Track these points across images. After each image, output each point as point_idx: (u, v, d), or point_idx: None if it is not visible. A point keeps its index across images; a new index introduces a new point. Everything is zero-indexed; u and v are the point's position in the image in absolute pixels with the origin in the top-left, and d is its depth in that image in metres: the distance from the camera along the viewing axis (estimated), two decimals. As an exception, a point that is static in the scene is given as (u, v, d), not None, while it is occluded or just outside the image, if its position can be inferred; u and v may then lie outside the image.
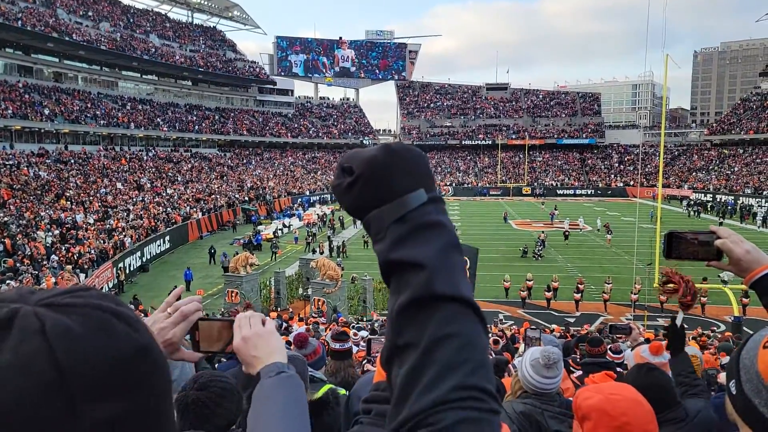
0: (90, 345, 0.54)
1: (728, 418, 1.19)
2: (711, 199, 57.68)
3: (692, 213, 50.46)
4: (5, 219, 26.89)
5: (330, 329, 11.64)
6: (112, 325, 0.58)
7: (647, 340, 5.78)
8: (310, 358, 3.10)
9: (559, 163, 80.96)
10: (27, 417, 0.49)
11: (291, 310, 21.61)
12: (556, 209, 49.49)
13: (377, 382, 1.21)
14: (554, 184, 74.22)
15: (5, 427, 0.49)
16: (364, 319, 19.19)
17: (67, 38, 50.04)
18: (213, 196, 47.79)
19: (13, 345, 0.51)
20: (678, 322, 2.79)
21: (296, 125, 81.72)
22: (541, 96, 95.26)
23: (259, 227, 41.71)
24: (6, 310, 0.54)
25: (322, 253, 32.25)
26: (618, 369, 4.96)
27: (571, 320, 21.62)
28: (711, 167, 69.02)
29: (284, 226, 43.88)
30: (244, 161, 66.96)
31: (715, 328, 18.69)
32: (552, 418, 2.47)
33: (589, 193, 71.10)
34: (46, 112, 45.32)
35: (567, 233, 36.82)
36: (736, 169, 65.02)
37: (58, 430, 0.51)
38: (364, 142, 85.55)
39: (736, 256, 1.54)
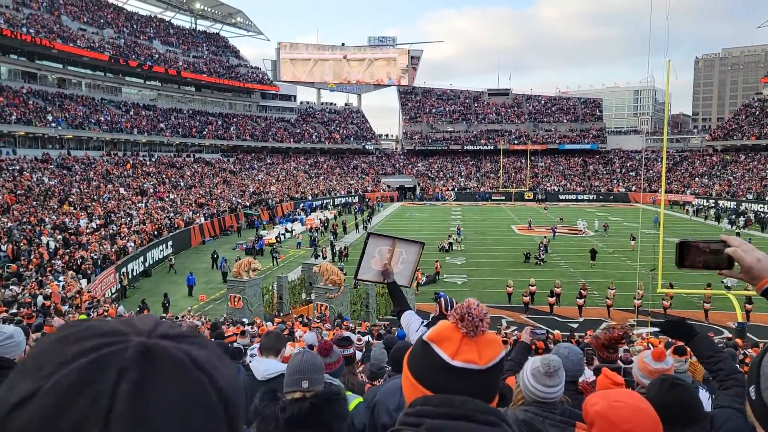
0: (230, 373, 0.57)
1: (748, 420, 1.21)
2: (714, 205, 57.59)
3: (727, 222, 48.26)
4: (9, 225, 26.97)
5: (334, 334, 11.68)
6: (223, 356, 0.60)
7: (651, 345, 5.78)
8: (334, 366, 3.12)
9: (561, 168, 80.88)
10: None
11: (295, 315, 21.62)
12: (561, 220, 49.22)
13: (427, 397, 1.11)
14: (556, 190, 74.14)
15: None
16: (363, 323, 19.17)
17: (71, 44, 50.30)
18: (215, 201, 47.87)
19: (170, 380, 0.51)
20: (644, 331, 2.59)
21: (299, 130, 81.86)
22: (542, 101, 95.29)
23: (262, 232, 41.72)
24: (133, 344, 0.52)
25: (324, 257, 32.25)
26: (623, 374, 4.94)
27: (575, 326, 21.58)
28: (713, 173, 68.89)
29: (286, 230, 43.91)
30: (247, 166, 67.07)
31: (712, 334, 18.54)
32: (553, 426, 2.45)
33: (591, 198, 70.95)
34: (50, 117, 45.48)
35: (594, 251, 32.62)
36: (738, 174, 64.92)
37: None
38: (367, 147, 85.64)
39: (748, 264, 1.55)
